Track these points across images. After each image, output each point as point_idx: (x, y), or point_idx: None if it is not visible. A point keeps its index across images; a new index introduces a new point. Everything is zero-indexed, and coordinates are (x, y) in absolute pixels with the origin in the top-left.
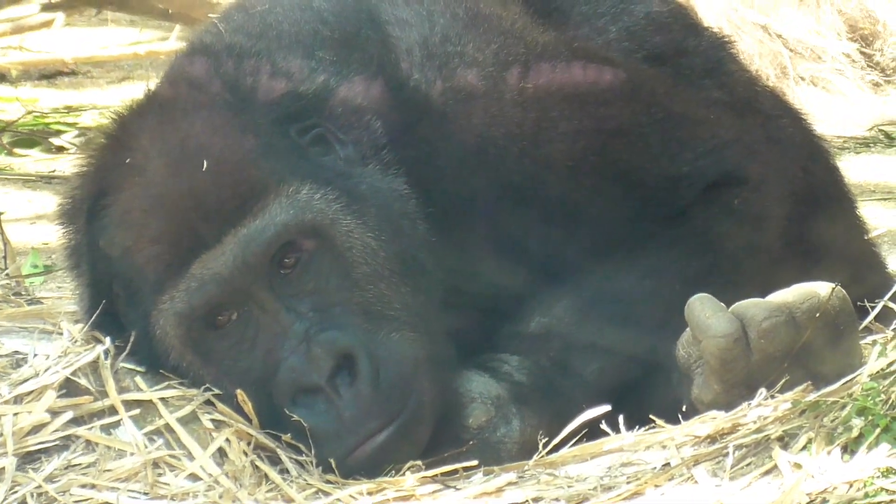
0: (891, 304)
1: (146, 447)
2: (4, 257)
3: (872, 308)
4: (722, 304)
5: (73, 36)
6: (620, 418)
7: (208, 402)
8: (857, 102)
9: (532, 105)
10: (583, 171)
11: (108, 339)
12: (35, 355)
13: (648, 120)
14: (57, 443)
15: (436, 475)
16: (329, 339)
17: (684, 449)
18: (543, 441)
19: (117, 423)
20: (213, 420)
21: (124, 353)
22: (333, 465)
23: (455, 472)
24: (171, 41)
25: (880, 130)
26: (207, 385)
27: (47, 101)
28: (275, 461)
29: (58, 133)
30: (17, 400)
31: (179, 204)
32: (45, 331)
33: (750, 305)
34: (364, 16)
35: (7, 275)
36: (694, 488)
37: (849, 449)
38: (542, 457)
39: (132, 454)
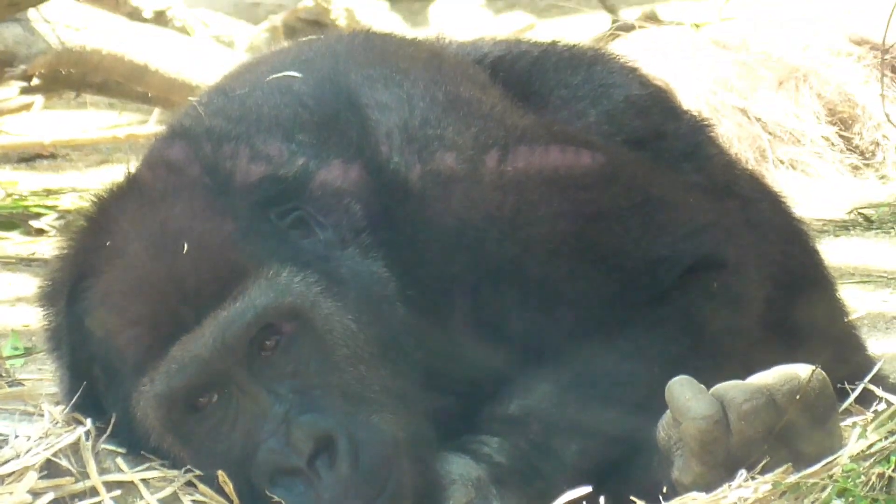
0: (871, 387)
1: None
2: None
3: (853, 390)
4: (702, 386)
5: (53, 119)
6: (601, 500)
7: (189, 484)
8: (836, 185)
9: (511, 188)
10: (562, 253)
11: (89, 421)
12: (16, 437)
13: (628, 203)
14: None
15: None
16: (309, 421)
17: None
18: None
19: None
20: (194, 501)
21: (105, 435)
22: None
23: None
24: (150, 124)
25: (859, 213)
26: (188, 466)
27: (26, 183)
28: None
29: (37, 216)
30: None
31: (159, 287)
32: (26, 412)
33: (730, 387)
34: (343, 99)
35: None
36: None
37: None
38: None
39: None
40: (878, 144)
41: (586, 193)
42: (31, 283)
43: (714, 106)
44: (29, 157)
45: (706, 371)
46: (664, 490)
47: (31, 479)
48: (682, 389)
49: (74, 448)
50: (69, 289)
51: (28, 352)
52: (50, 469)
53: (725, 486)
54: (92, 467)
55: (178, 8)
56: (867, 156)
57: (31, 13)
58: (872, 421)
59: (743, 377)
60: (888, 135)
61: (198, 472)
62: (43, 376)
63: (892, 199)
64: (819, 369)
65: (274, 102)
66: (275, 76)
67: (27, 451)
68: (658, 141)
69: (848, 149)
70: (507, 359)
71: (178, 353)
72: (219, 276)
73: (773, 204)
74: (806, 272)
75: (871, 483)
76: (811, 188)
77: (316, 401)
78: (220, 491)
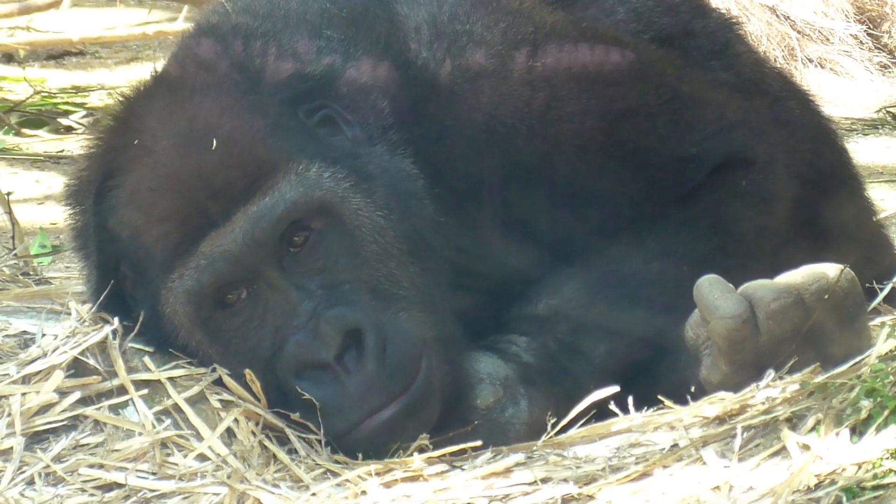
0: None
1: (154, 427)
2: (13, 237)
3: (881, 289)
4: (730, 285)
5: (81, 16)
6: (629, 399)
7: (217, 382)
8: (864, 84)
9: (540, 84)
10: (590, 150)
11: (116, 320)
12: (43, 335)
13: (656, 101)
14: (65, 423)
15: (443, 455)
16: (337, 315)
17: (693, 430)
18: (552, 422)
19: (125, 404)
20: (221, 400)
21: (132, 334)
22: (335, 440)
23: (463, 452)
24: (179, 22)
25: (888, 112)
26: (215, 365)
27: (55, 81)
28: (283, 441)
29: (66, 113)
30: (25, 380)
31: (188, 183)
32: (53, 311)
33: (758, 287)
34: None
35: (15, 255)
36: (702, 469)
37: (857, 430)
38: (551, 437)
39: (140, 434)
40: None
41: (615, 90)
42: (58, 181)
43: (742, 4)
44: (57, 55)
45: (734, 270)
46: (692, 389)
47: (58, 377)
48: (711, 288)
49: (101, 347)
50: (97, 187)
51: (55, 250)
52: (77, 368)
53: (753, 385)
54: (120, 366)
55: None
56: None
57: None
58: None
59: (771, 276)
60: None
61: (225, 371)
62: (70, 275)
63: None
64: (848, 269)
65: None
66: None
67: (54, 350)
68: (686, 39)
69: (876, 47)
70: (536, 258)
71: (207, 249)
72: (248, 172)
73: (801, 102)
74: (834, 171)
75: None
76: (840, 87)
77: (345, 296)
78: (247, 389)
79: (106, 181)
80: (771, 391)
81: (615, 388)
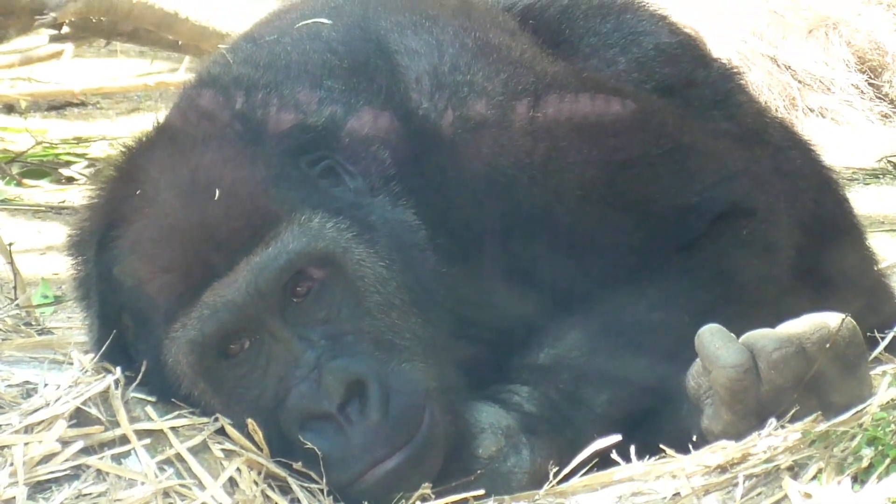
0: None
1: (157, 476)
2: (15, 288)
3: (882, 338)
4: (732, 334)
5: (83, 67)
6: (631, 448)
7: (219, 432)
8: (865, 134)
9: (542, 135)
10: (592, 201)
11: (118, 370)
12: (45, 385)
13: (657, 151)
14: (68, 472)
15: None
16: (340, 366)
17: (695, 479)
18: (554, 471)
19: (128, 453)
20: (223, 449)
21: (135, 384)
22: (339, 491)
23: (465, 501)
24: (180, 72)
25: (889, 161)
26: (218, 414)
27: (56, 132)
28: (285, 490)
29: (67, 164)
30: (28, 430)
31: (191, 234)
32: (56, 361)
33: (760, 336)
34: (373, 45)
35: (17, 305)
36: None
37: (859, 479)
38: (553, 486)
39: (143, 483)
40: None
41: (616, 141)
42: (60, 232)
43: (744, 54)
44: (59, 105)
45: (736, 319)
46: (694, 438)
47: (61, 427)
48: (712, 338)
49: (104, 396)
50: (99, 237)
51: (57, 300)
52: (79, 417)
53: (755, 434)
54: (122, 415)
55: None
56: None
57: None
58: None
59: (773, 325)
60: None
61: (228, 421)
62: (72, 325)
63: None
64: (849, 318)
65: (303, 49)
66: (304, 23)
67: (56, 400)
68: (688, 88)
69: (877, 97)
70: (538, 307)
71: (210, 299)
72: (251, 223)
73: (803, 152)
74: (836, 220)
75: None
76: (841, 136)
77: (347, 347)
78: (250, 439)
79: (108, 231)
80: (773, 440)
81: (617, 437)
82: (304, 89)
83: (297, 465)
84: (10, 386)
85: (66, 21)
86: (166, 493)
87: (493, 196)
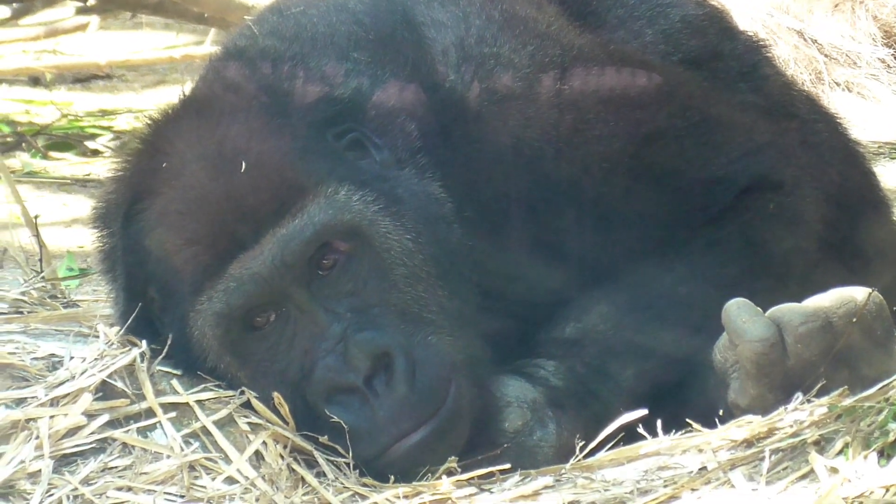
0: None
1: (183, 450)
2: (40, 260)
3: None
4: (758, 308)
5: (108, 39)
6: (657, 422)
7: (245, 405)
8: (892, 108)
9: (568, 107)
10: (618, 173)
11: (144, 343)
12: (71, 358)
13: (684, 123)
14: (93, 445)
15: (472, 478)
16: (366, 339)
17: (721, 453)
18: (580, 445)
19: (153, 426)
20: (249, 423)
21: (160, 357)
22: (364, 465)
23: (491, 475)
24: (206, 45)
25: None
26: (244, 388)
27: (82, 104)
28: (311, 464)
29: (92, 136)
30: (54, 403)
31: (217, 206)
32: (81, 334)
33: (786, 310)
34: (399, 17)
35: (43, 278)
36: (730, 492)
37: (885, 453)
38: (579, 460)
39: (168, 457)
40: None
41: (643, 113)
42: (86, 204)
43: (770, 28)
44: (84, 78)
45: (762, 293)
46: (720, 412)
47: (86, 400)
48: (739, 312)
49: (129, 370)
50: (124, 210)
51: (83, 273)
52: (105, 390)
53: (781, 408)
54: (148, 388)
55: None
56: None
57: None
58: None
59: (799, 299)
60: None
61: (253, 394)
62: (98, 298)
63: None
64: (876, 292)
65: (329, 21)
66: None
67: (82, 373)
68: (714, 61)
69: None
70: (564, 280)
71: (236, 271)
72: (277, 195)
73: (829, 125)
74: (862, 194)
75: None
76: (867, 110)
77: (373, 320)
78: (275, 412)
79: (134, 204)
80: (799, 414)
81: (643, 412)
82: (331, 61)
83: (323, 439)
84: (35, 359)
85: None
86: (192, 467)
87: (519, 168)
